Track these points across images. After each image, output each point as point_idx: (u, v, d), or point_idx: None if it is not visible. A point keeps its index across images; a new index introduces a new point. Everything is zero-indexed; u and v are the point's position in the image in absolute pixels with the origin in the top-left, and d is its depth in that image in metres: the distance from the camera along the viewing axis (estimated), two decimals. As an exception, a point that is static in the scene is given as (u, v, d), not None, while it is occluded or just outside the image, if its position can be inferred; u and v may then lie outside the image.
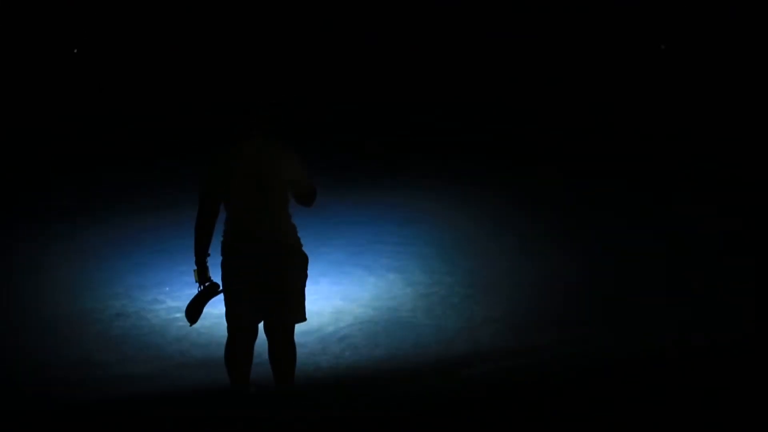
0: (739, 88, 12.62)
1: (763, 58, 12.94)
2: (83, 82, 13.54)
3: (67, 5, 13.74)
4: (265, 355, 5.86)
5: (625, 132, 12.16)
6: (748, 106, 12.18)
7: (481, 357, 6.91)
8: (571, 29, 13.95)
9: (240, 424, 5.53)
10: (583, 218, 9.81)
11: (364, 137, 12.33)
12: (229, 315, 5.75)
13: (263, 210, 5.69)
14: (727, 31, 13.37)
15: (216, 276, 5.75)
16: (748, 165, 10.63)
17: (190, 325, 5.86)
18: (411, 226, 9.80)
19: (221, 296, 5.77)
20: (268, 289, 5.69)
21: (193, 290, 5.77)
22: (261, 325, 5.83)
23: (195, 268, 5.73)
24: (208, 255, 5.74)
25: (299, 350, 5.91)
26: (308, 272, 5.83)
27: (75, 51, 13.13)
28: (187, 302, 5.78)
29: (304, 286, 5.80)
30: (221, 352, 5.84)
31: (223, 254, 5.75)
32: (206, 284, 5.72)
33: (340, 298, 8.23)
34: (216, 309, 5.94)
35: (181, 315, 5.87)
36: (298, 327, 5.86)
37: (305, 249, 5.81)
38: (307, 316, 5.84)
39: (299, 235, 5.80)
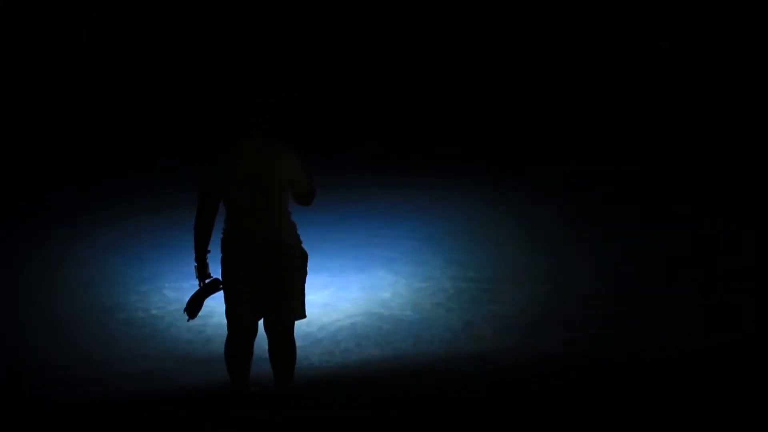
0: (740, 87, 12.62)
1: (763, 57, 12.94)
2: (83, 82, 13.53)
3: (67, 5, 13.74)
4: (266, 354, 5.87)
5: (624, 132, 12.17)
6: (750, 106, 12.18)
7: (480, 356, 6.91)
8: (571, 29, 13.95)
9: (240, 424, 5.54)
10: (583, 216, 9.82)
11: (365, 137, 12.34)
12: (229, 314, 5.78)
13: (263, 209, 5.70)
14: (727, 31, 13.37)
15: (216, 273, 5.78)
16: (749, 165, 10.64)
17: (188, 320, 5.90)
18: (411, 225, 9.81)
19: (221, 293, 5.80)
20: (268, 289, 5.70)
21: (194, 286, 5.80)
22: (261, 323, 5.84)
23: (195, 264, 5.77)
24: (208, 252, 5.78)
25: (299, 348, 5.91)
26: (310, 270, 5.85)
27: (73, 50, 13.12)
28: (188, 298, 5.83)
29: (304, 283, 5.82)
30: (221, 349, 5.85)
31: (222, 253, 5.77)
32: (206, 281, 5.76)
33: (340, 296, 8.24)
34: (217, 307, 5.95)
35: (182, 312, 5.90)
36: (298, 325, 5.87)
37: (306, 246, 5.82)
38: (306, 313, 5.86)
39: (299, 232, 5.81)
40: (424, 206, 10.39)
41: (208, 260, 5.79)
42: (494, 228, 9.74)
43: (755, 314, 7.20)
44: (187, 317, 5.86)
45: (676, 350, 6.34)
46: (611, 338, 7.12)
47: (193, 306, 5.79)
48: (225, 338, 5.84)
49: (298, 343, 5.88)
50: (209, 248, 5.78)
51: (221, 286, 5.78)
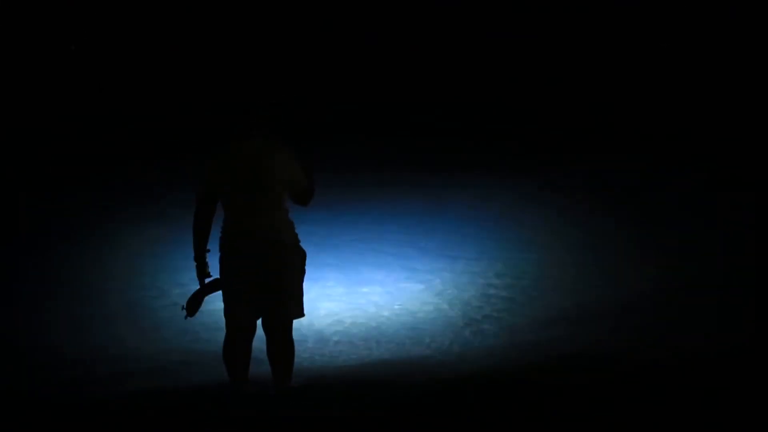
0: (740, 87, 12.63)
1: (763, 57, 12.94)
2: (83, 82, 13.54)
3: (67, 5, 13.74)
4: (265, 354, 5.88)
5: (624, 131, 12.17)
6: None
7: (485, 354, 6.92)
8: (571, 29, 13.95)
9: (239, 423, 5.54)
10: (580, 214, 9.83)
11: (365, 137, 12.35)
12: (228, 313, 5.79)
13: (261, 209, 5.71)
14: (726, 30, 13.37)
15: (215, 271, 5.81)
16: (753, 165, 10.64)
17: (185, 317, 5.92)
18: (411, 224, 9.81)
19: (220, 291, 5.83)
20: (266, 288, 5.71)
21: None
22: (259, 323, 5.86)
23: (195, 263, 5.80)
24: (208, 251, 5.79)
25: (299, 347, 5.92)
26: (311, 269, 5.86)
27: (72, 48, 13.12)
28: (187, 297, 5.86)
29: (302, 282, 5.83)
30: (220, 348, 5.87)
31: (221, 252, 5.78)
32: (206, 279, 5.79)
33: (339, 295, 8.24)
34: (217, 305, 5.96)
35: (181, 310, 5.92)
36: (299, 324, 5.88)
37: (306, 245, 5.83)
38: (305, 312, 5.88)
39: (298, 231, 5.83)
40: (424, 205, 10.40)
41: (207, 259, 5.80)
42: (495, 225, 9.74)
43: (755, 314, 7.19)
44: (185, 315, 5.89)
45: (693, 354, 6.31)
46: (610, 335, 7.11)
47: (193, 305, 5.83)
48: (223, 337, 5.86)
49: (296, 342, 5.89)
50: (208, 247, 5.80)
51: (220, 286, 5.80)
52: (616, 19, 13.96)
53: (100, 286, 8.55)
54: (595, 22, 14.01)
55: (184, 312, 5.90)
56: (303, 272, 5.84)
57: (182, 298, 6.66)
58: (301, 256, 5.83)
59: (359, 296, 8.25)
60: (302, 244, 5.84)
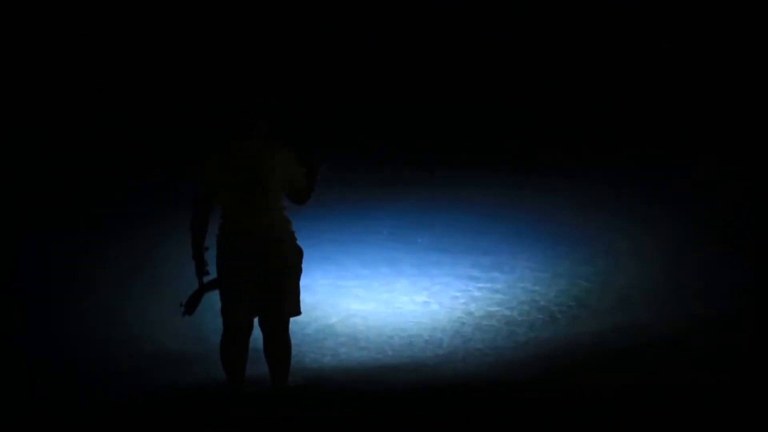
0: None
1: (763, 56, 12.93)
2: (83, 81, 13.52)
3: (67, 5, 13.73)
4: (262, 352, 5.89)
5: (623, 131, 12.17)
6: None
7: (481, 354, 6.92)
8: (571, 29, 13.94)
9: (236, 423, 5.55)
10: (574, 218, 9.83)
11: (367, 137, 12.34)
12: (225, 311, 5.81)
13: (259, 207, 5.72)
14: (725, 28, 13.36)
15: (214, 270, 5.83)
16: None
17: (183, 315, 5.94)
18: (411, 222, 9.81)
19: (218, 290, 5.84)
20: (264, 287, 5.73)
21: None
22: (256, 320, 5.87)
23: (194, 262, 5.82)
24: (206, 249, 5.81)
25: (301, 347, 5.93)
26: (312, 267, 5.89)
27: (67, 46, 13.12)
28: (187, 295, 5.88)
29: (299, 280, 5.85)
30: (217, 347, 5.88)
31: (218, 251, 5.80)
32: (205, 278, 5.81)
33: (336, 293, 8.24)
34: (216, 303, 5.97)
35: (179, 307, 5.93)
36: (293, 322, 5.89)
37: (305, 244, 5.85)
38: (301, 310, 5.90)
39: (297, 229, 5.84)
40: (424, 205, 10.40)
41: (206, 258, 5.83)
42: (495, 223, 9.75)
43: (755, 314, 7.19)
44: (183, 313, 5.91)
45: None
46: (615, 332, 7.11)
47: (192, 303, 5.86)
48: (220, 336, 5.87)
49: (293, 341, 5.91)
50: (206, 245, 5.83)
51: (218, 284, 5.82)
52: (616, 19, 13.95)
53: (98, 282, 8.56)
54: (595, 22, 14.00)
55: (183, 310, 5.92)
56: (300, 270, 5.87)
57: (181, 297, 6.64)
58: (298, 255, 5.85)
59: (356, 293, 8.26)
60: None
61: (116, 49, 13.77)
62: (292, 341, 5.92)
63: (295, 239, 5.80)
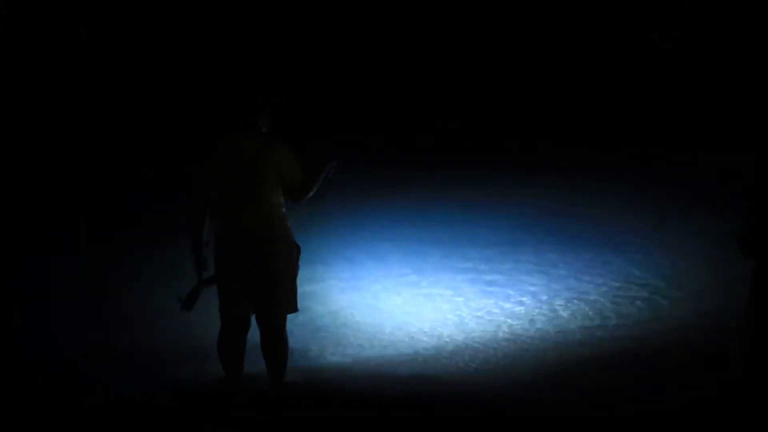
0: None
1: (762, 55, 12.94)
2: (83, 81, 13.53)
3: (67, 5, 13.74)
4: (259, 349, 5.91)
5: (624, 131, 12.18)
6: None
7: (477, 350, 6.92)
8: (571, 29, 13.95)
9: (233, 422, 5.55)
10: (578, 220, 9.83)
11: (367, 137, 12.34)
12: (222, 307, 5.83)
13: (253, 203, 5.73)
14: (723, 27, 13.37)
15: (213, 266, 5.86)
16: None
17: (181, 310, 5.95)
18: (409, 224, 9.82)
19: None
20: (260, 284, 5.74)
21: None
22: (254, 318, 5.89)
23: (192, 257, 5.84)
24: (205, 244, 5.83)
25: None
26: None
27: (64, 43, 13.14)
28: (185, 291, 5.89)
29: (296, 276, 5.86)
30: (215, 344, 5.90)
31: (215, 248, 5.82)
32: (204, 274, 5.83)
33: (335, 291, 8.25)
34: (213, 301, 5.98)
35: (177, 302, 5.95)
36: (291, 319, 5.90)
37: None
38: (298, 307, 5.91)
39: (294, 228, 5.85)
40: (424, 204, 10.41)
41: (206, 253, 5.85)
42: (494, 223, 9.76)
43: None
44: (181, 307, 5.92)
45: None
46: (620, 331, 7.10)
47: (190, 299, 5.88)
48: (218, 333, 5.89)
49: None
50: (205, 241, 5.86)
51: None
52: (616, 19, 13.96)
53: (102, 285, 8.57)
54: (595, 22, 14.01)
55: (182, 305, 5.93)
56: (297, 267, 5.87)
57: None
58: (293, 251, 5.85)
59: (355, 292, 8.27)
60: (293, 239, 5.87)
61: (116, 49, 13.77)
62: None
63: (291, 235, 5.80)
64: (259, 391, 5.93)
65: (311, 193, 5.93)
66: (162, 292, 8.35)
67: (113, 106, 13.15)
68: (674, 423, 5.31)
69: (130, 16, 13.96)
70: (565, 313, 7.66)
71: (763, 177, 4.70)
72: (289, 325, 5.97)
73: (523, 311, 7.75)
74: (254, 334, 5.92)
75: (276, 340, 5.84)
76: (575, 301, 7.91)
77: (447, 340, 7.28)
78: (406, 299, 8.15)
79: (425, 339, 7.35)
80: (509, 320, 7.55)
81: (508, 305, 7.87)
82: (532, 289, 8.19)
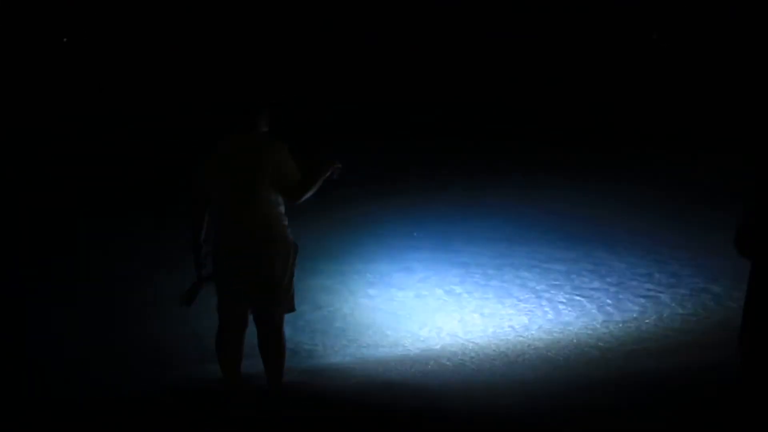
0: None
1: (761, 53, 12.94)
2: (83, 81, 13.53)
3: (67, 5, 13.74)
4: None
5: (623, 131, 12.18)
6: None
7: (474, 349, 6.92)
8: (571, 29, 13.95)
9: (232, 421, 5.56)
10: (573, 220, 9.85)
11: (367, 137, 12.35)
12: (220, 306, 5.84)
13: (250, 202, 5.73)
14: (723, 26, 13.36)
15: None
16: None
17: (180, 305, 5.96)
18: (409, 223, 9.83)
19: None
20: (257, 282, 5.74)
21: None
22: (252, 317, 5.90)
23: (193, 254, 5.87)
24: (204, 242, 5.85)
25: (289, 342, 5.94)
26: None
27: (64, 40, 13.13)
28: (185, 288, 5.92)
29: (293, 275, 5.85)
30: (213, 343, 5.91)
31: (213, 248, 5.83)
32: (203, 270, 5.84)
33: (332, 289, 8.26)
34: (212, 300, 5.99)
35: (177, 298, 5.96)
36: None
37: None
38: (295, 306, 5.92)
39: (292, 226, 5.86)
40: (423, 204, 10.41)
41: (205, 251, 5.86)
42: (494, 223, 9.77)
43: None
44: (180, 303, 5.94)
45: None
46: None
47: (190, 295, 5.89)
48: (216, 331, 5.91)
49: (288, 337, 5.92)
50: (205, 239, 5.87)
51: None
52: (616, 19, 13.96)
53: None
54: (594, 23, 14.00)
55: (181, 301, 5.94)
56: (293, 266, 5.87)
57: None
58: (289, 249, 5.85)
59: (351, 291, 8.29)
60: (291, 238, 5.87)
61: (116, 49, 13.78)
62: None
63: (287, 234, 5.79)
64: (258, 390, 5.93)
65: (310, 194, 5.91)
66: (162, 292, 8.37)
67: (113, 106, 13.15)
68: (674, 423, 5.30)
69: (130, 16, 13.96)
70: (565, 312, 7.67)
71: (762, 177, 4.70)
72: (287, 325, 5.97)
73: (522, 309, 7.76)
74: (252, 334, 5.92)
75: (274, 339, 5.84)
76: (576, 299, 7.91)
77: (446, 339, 7.29)
78: (405, 299, 8.15)
79: (425, 338, 7.35)
80: (509, 319, 7.56)
81: (507, 304, 7.88)
82: (531, 286, 8.20)
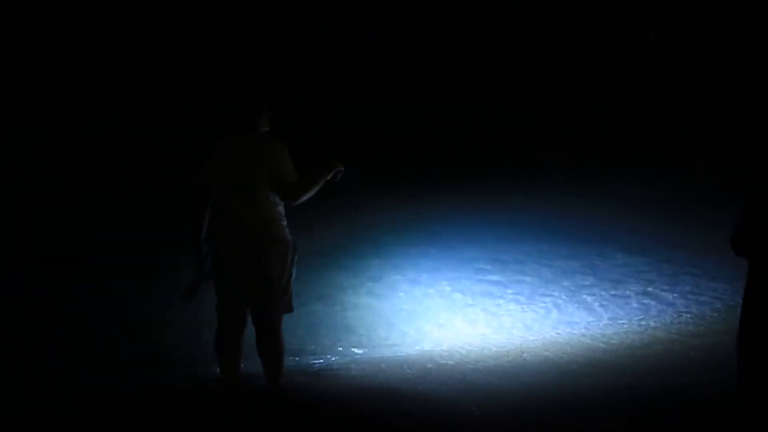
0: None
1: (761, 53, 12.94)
2: (83, 81, 13.52)
3: (67, 5, 13.74)
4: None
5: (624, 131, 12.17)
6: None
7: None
8: (571, 29, 13.95)
9: (232, 420, 5.56)
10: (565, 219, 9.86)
11: (367, 137, 12.34)
12: (220, 306, 5.86)
13: (247, 201, 5.76)
14: (722, 26, 13.36)
15: None
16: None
17: (181, 300, 5.99)
18: (408, 224, 9.82)
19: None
20: (254, 282, 5.75)
21: None
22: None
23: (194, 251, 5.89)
24: (206, 241, 5.87)
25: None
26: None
27: (63, 41, 13.11)
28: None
29: (291, 275, 5.86)
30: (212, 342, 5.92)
31: (212, 247, 5.84)
32: (204, 267, 5.86)
33: (333, 291, 8.26)
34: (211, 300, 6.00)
35: (179, 294, 5.98)
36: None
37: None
38: (293, 306, 5.93)
39: (291, 226, 5.87)
40: (423, 204, 10.41)
41: (206, 249, 5.87)
42: (493, 223, 9.77)
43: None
44: (181, 299, 5.96)
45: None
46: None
47: (190, 290, 5.92)
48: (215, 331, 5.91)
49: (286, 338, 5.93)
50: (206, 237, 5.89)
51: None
52: (615, 19, 13.96)
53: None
54: (594, 23, 14.00)
55: (182, 297, 5.97)
56: (291, 266, 5.88)
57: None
58: (287, 249, 5.85)
59: (351, 289, 8.29)
60: (289, 238, 5.87)
61: (116, 49, 13.77)
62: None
63: (286, 234, 5.80)
64: (257, 390, 5.94)
65: (308, 196, 5.91)
66: (161, 292, 8.38)
67: (113, 106, 13.13)
68: (674, 423, 5.30)
69: (130, 16, 13.96)
70: (565, 312, 7.67)
71: (762, 177, 4.70)
72: (287, 325, 5.98)
73: (521, 309, 7.77)
74: (252, 334, 5.92)
75: (272, 339, 5.85)
76: (575, 299, 7.92)
77: (445, 339, 7.29)
78: (404, 299, 8.16)
79: (423, 339, 7.36)
80: (508, 319, 7.57)
81: (506, 304, 7.89)
82: (530, 286, 8.21)
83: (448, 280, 8.47)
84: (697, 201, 10.03)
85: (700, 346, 6.92)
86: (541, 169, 11.38)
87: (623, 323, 7.52)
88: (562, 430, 5.40)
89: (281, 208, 5.83)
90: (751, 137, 11.31)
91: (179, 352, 7.25)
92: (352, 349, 7.25)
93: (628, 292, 8.13)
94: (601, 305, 7.87)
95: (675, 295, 8.04)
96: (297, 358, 6.83)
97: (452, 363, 6.74)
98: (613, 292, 8.13)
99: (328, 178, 5.91)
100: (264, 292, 5.77)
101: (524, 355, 6.87)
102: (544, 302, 7.96)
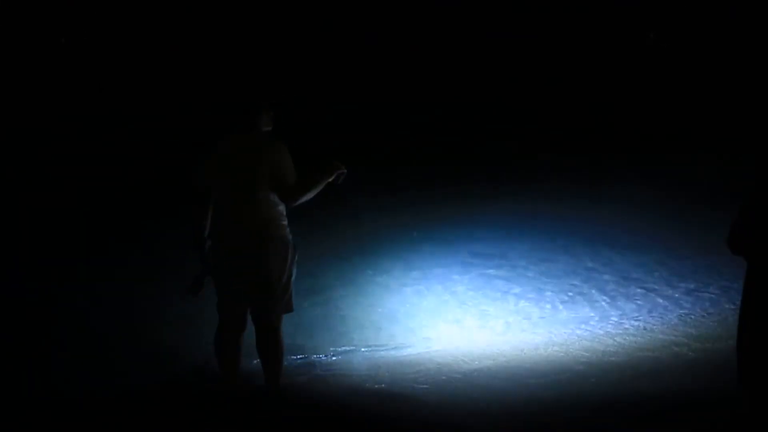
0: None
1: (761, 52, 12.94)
2: (83, 81, 13.52)
3: (67, 5, 13.74)
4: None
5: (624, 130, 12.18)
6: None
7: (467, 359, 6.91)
8: (571, 29, 13.95)
9: (231, 420, 5.57)
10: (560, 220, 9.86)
11: (367, 137, 12.34)
12: (220, 305, 5.87)
13: (246, 201, 5.76)
14: (722, 26, 13.37)
15: None
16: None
17: (186, 294, 6.01)
18: (408, 224, 9.83)
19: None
20: (254, 282, 5.75)
21: None
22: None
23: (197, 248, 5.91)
24: (208, 240, 5.88)
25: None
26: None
27: (63, 41, 13.11)
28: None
29: (291, 275, 5.86)
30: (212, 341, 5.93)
31: (212, 247, 5.85)
32: (206, 263, 5.87)
33: (333, 291, 8.26)
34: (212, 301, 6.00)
35: (184, 289, 6.00)
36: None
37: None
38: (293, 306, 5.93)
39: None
40: (424, 204, 10.41)
41: (208, 247, 5.88)
42: (494, 221, 9.78)
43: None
44: (186, 293, 5.98)
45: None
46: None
47: (195, 285, 5.94)
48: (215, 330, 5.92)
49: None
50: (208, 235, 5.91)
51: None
52: (615, 19, 13.96)
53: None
54: (594, 22, 14.00)
55: (187, 291, 5.99)
56: (291, 266, 5.88)
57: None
58: (287, 249, 5.86)
59: (349, 290, 8.30)
60: (289, 238, 5.87)
61: (116, 49, 13.77)
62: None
63: (286, 233, 5.80)
64: (257, 390, 5.94)
65: (308, 197, 5.91)
66: (161, 292, 8.38)
67: (113, 106, 13.13)
68: (673, 421, 5.30)
69: (130, 16, 13.96)
70: (565, 312, 7.68)
71: (762, 177, 4.70)
72: (287, 324, 5.98)
73: (522, 309, 7.77)
74: (252, 334, 5.93)
75: (272, 339, 5.85)
76: (576, 299, 7.92)
77: (445, 339, 7.29)
78: (405, 299, 8.16)
79: (423, 339, 7.36)
80: (508, 317, 7.57)
81: (507, 304, 7.89)
82: (530, 286, 8.21)
83: (448, 281, 8.48)
84: (697, 201, 10.03)
85: (700, 346, 6.93)
86: (541, 169, 11.38)
87: (623, 323, 7.52)
88: (563, 430, 5.41)
89: (281, 208, 5.83)
90: (751, 137, 11.30)
91: (179, 352, 7.25)
92: (352, 349, 7.24)
93: (628, 292, 8.14)
94: (602, 305, 7.87)
95: (675, 295, 8.05)
96: (297, 358, 6.82)
97: (452, 363, 6.74)
98: (613, 293, 8.14)
99: (330, 180, 5.91)
100: (264, 291, 5.77)
101: (524, 355, 6.87)
102: (545, 303, 7.96)
